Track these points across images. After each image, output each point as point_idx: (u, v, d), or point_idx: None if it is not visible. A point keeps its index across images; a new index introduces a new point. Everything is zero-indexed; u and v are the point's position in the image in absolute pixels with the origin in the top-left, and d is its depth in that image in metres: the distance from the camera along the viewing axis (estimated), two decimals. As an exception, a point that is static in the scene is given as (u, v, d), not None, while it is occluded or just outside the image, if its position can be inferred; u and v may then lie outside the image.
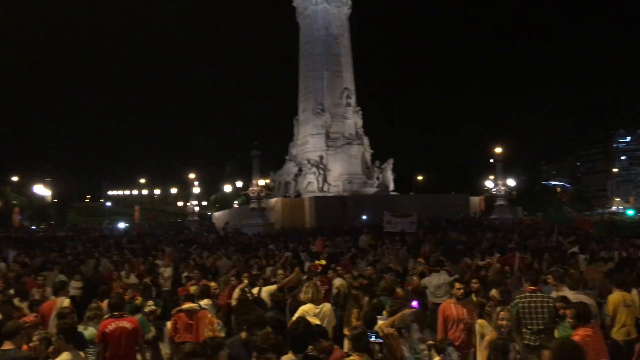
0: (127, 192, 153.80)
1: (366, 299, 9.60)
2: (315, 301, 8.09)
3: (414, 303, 7.49)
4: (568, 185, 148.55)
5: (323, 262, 14.09)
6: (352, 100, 44.52)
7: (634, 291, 9.21)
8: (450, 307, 8.14)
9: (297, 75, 47.44)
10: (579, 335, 6.26)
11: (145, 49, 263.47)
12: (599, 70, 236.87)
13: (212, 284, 11.91)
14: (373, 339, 3.72)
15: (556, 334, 7.24)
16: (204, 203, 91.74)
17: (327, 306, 8.15)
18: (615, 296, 8.79)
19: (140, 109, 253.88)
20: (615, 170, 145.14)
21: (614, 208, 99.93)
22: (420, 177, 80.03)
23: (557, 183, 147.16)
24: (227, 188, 70.46)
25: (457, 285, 8.57)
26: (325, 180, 41.97)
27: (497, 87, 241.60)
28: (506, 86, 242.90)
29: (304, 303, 8.20)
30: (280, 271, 12.37)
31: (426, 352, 6.26)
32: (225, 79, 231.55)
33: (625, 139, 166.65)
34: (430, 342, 6.42)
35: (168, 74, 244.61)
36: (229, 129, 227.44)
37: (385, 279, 10.61)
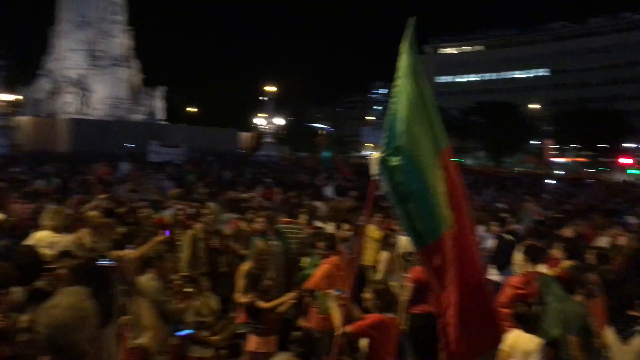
0: None
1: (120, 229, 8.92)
2: (57, 229, 7.14)
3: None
4: (331, 129, 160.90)
5: None
6: (122, 18, 40.89)
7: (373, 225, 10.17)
8: None
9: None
10: (327, 263, 6.70)
11: None
12: (364, 22, 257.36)
13: None
14: (101, 262, 3.33)
15: (307, 262, 7.65)
16: None
17: (69, 237, 7.24)
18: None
19: None
20: (370, 118, 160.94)
21: (365, 153, 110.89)
22: (192, 109, 78.50)
23: (320, 126, 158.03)
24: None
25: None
26: (86, 102, 38.43)
27: (271, 26, 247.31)
28: (280, 26, 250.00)
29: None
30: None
31: None
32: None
33: (380, 91, 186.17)
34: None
35: None
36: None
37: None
